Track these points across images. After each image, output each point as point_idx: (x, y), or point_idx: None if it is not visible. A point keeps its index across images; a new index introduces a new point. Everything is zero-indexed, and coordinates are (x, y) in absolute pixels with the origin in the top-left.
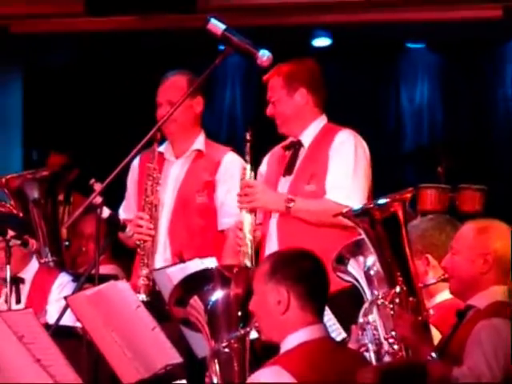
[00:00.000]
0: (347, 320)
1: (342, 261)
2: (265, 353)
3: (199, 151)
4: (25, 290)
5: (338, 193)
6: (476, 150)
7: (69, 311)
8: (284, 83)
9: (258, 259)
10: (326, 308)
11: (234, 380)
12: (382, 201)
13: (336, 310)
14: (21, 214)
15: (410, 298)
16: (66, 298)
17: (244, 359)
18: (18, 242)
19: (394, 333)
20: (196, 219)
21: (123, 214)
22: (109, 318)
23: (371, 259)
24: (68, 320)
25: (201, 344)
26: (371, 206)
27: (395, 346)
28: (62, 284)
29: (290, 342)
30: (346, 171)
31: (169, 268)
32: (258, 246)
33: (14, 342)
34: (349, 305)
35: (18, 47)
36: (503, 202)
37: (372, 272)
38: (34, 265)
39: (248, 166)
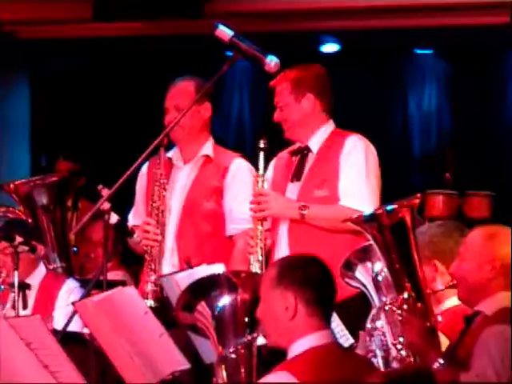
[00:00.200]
0: (355, 326)
1: (349, 267)
2: (272, 359)
3: (207, 157)
4: (32, 295)
5: (352, 199)
6: (484, 155)
7: (76, 317)
8: (291, 89)
9: (267, 266)
10: (334, 314)
11: None
12: (390, 207)
13: (344, 316)
14: (29, 220)
15: (418, 304)
16: (73, 303)
17: (251, 365)
18: (26, 248)
19: (401, 339)
20: (204, 225)
21: (132, 220)
22: (116, 324)
23: (379, 265)
24: (75, 326)
25: (208, 350)
26: (380, 211)
27: (403, 352)
28: (70, 290)
29: (297, 348)
30: (358, 177)
31: (176, 274)
32: (268, 253)
33: (21, 348)
34: (356, 311)
35: (26, 53)
36: (511, 209)
37: (380, 278)
38: (41, 270)
39: (260, 174)
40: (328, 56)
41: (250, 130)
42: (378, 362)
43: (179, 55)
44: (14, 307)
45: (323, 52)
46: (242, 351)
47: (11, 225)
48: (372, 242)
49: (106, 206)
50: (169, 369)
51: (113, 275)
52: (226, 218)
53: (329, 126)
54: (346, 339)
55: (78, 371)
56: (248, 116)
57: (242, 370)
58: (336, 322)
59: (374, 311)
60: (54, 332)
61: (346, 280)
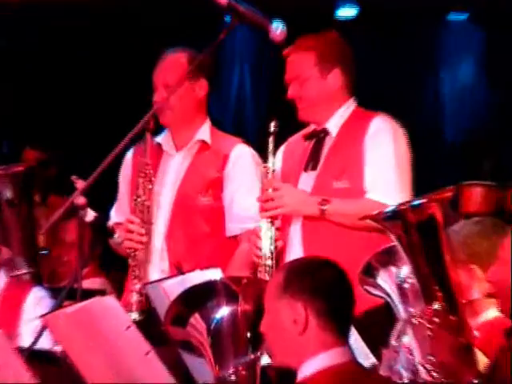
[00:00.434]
0: (377, 342)
1: (370, 272)
2: (278, 381)
3: (204, 142)
4: None
5: (381, 191)
6: None
7: (46, 333)
8: (316, 60)
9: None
10: (352, 328)
11: None
12: (416, 201)
13: (364, 331)
14: None
15: (451, 317)
16: (42, 316)
17: None
18: None
19: (431, 357)
20: (199, 224)
21: (115, 217)
22: (94, 341)
23: (405, 270)
24: (45, 343)
25: (203, 371)
26: (404, 207)
27: (434, 374)
28: (37, 300)
29: (308, 368)
30: (387, 164)
31: (165, 281)
32: (278, 258)
33: None
34: (379, 324)
35: None
36: None
37: (406, 285)
38: (1, 278)
39: (270, 164)
40: (344, 21)
41: (252, 111)
42: None
43: (171, 24)
44: None
45: (339, 17)
46: (244, 373)
47: None
48: (396, 243)
49: (81, 200)
50: None
51: (90, 283)
52: (225, 216)
53: (350, 105)
54: (366, 358)
55: None
56: (249, 94)
57: None
58: (354, 337)
59: (399, 325)
60: (20, 350)
61: (366, 288)
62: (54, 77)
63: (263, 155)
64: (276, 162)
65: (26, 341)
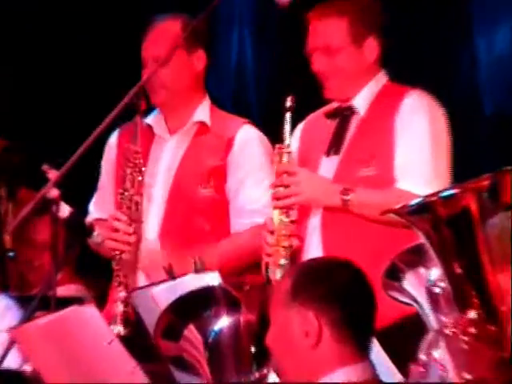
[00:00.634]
0: (403, 356)
1: (395, 275)
2: None
3: (203, 124)
4: None
5: (412, 180)
6: None
7: (14, 349)
8: (350, 28)
9: None
10: (374, 340)
11: None
12: (447, 192)
13: (389, 343)
14: None
15: (490, 327)
16: (9, 330)
17: None
18: None
19: (467, 374)
20: (198, 219)
21: (94, 211)
22: (70, 357)
23: (435, 272)
24: (13, 361)
25: None
26: (433, 199)
27: None
28: (2, 312)
29: None
30: (422, 148)
31: (154, 287)
32: (294, 257)
33: None
34: (405, 336)
35: None
36: None
37: (437, 290)
38: None
39: (286, 145)
40: None
41: (255, 86)
42: None
43: None
44: None
45: None
46: None
47: None
48: (424, 240)
49: (54, 193)
50: None
51: (65, 290)
52: (230, 210)
53: (380, 79)
54: (391, 374)
55: None
56: (251, 66)
57: None
58: (377, 350)
59: (429, 336)
60: None
61: (390, 293)
62: (27, 50)
63: (271, 138)
64: (292, 142)
65: None
